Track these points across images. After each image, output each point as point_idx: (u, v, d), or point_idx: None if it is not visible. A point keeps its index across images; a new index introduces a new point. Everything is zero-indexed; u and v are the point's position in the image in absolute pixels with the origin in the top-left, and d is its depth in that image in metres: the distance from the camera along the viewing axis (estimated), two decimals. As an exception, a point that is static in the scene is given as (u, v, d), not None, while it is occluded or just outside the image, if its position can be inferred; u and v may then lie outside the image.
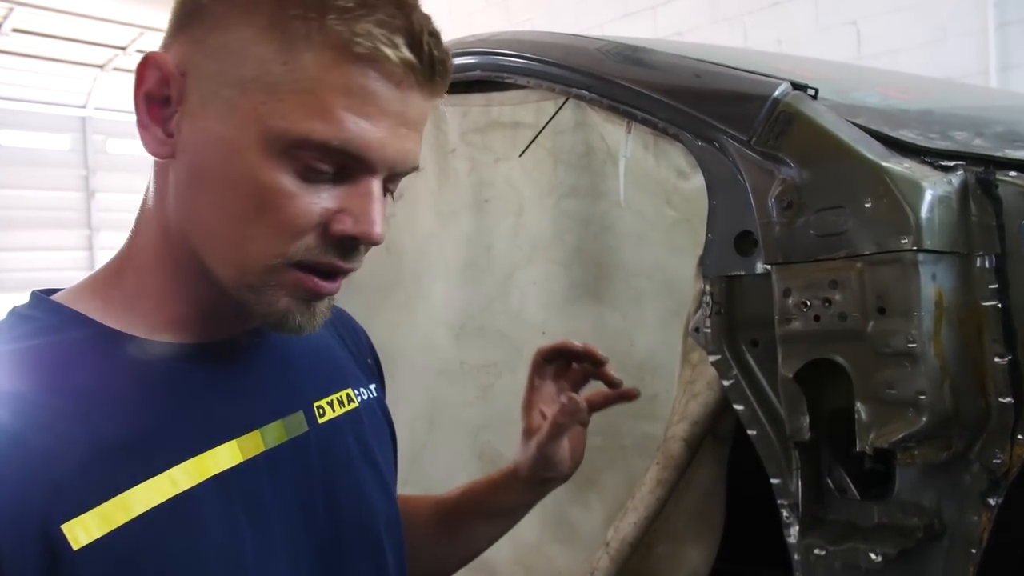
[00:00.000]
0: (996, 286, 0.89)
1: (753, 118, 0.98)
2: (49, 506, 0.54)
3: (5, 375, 0.58)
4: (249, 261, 0.61)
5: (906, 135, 0.95)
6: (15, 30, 9.54)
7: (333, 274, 0.63)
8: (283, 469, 0.68)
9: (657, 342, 1.32)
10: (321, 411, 0.74)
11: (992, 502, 0.88)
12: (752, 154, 0.99)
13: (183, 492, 0.60)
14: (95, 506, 0.56)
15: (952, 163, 0.92)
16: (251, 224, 0.60)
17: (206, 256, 0.62)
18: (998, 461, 0.88)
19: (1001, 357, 0.88)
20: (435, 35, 0.61)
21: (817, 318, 0.91)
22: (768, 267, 0.96)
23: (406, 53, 0.59)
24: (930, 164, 0.92)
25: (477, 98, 1.50)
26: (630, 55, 1.22)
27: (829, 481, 0.99)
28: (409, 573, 0.83)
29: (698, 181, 1.11)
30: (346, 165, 0.60)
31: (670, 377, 1.22)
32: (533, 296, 1.47)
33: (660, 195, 1.24)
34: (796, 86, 0.99)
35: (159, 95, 0.61)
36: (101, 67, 10.64)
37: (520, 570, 1.57)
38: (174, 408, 0.63)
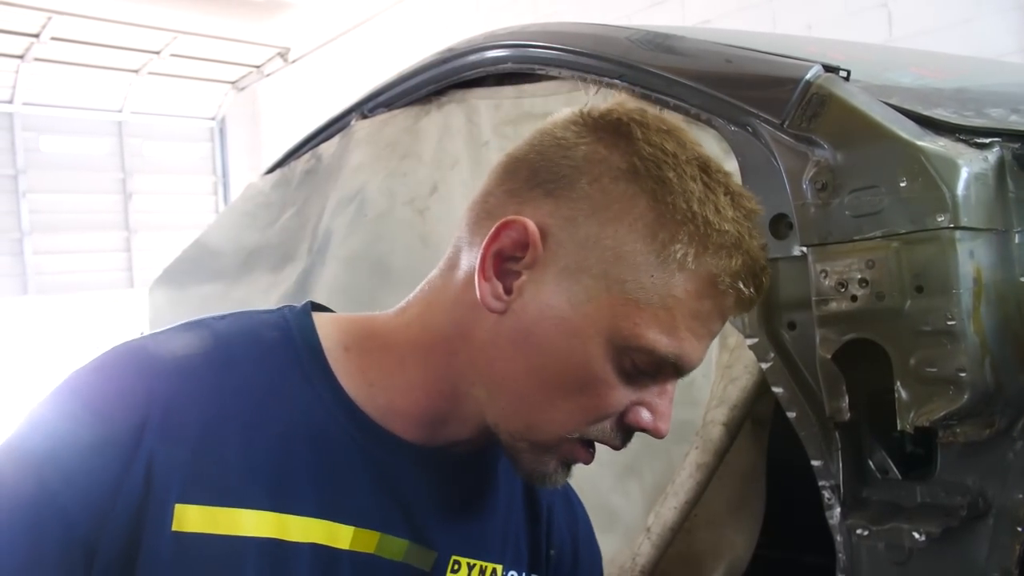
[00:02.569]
0: None
1: (785, 101, 0.98)
2: (177, 478, 0.59)
3: (225, 360, 0.64)
4: (544, 426, 0.65)
5: (940, 113, 0.95)
6: (53, 38, 9.73)
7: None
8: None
9: None
10: (456, 567, 0.72)
11: None
12: (785, 137, 0.98)
13: (288, 540, 0.63)
14: (213, 506, 0.60)
15: (988, 140, 0.91)
16: (564, 399, 0.64)
17: (490, 403, 0.66)
18: None
19: None
20: (767, 271, 0.68)
21: (854, 298, 0.91)
22: (804, 249, 0.96)
23: (751, 293, 0.66)
24: (965, 142, 0.91)
25: (509, 90, 1.51)
26: (661, 43, 1.22)
27: (870, 462, 0.99)
28: None
29: (732, 166, 1.10)
30: (663, 369, 0.65)
31: (708, 362, 1.21)
32: None
33: None
34: (828, 68, 0.99)
35: (510, 254, 0.65)
36: (136, 72, 10.82)
37: (561, 557, 1.59)
38: (335, 472, 0.66)
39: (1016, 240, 0.89)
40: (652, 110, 0.70)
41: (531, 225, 0.64)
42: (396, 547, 0.68)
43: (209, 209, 11.98)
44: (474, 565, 0.73)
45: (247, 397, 0.63)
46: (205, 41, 10.25)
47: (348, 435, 0.67)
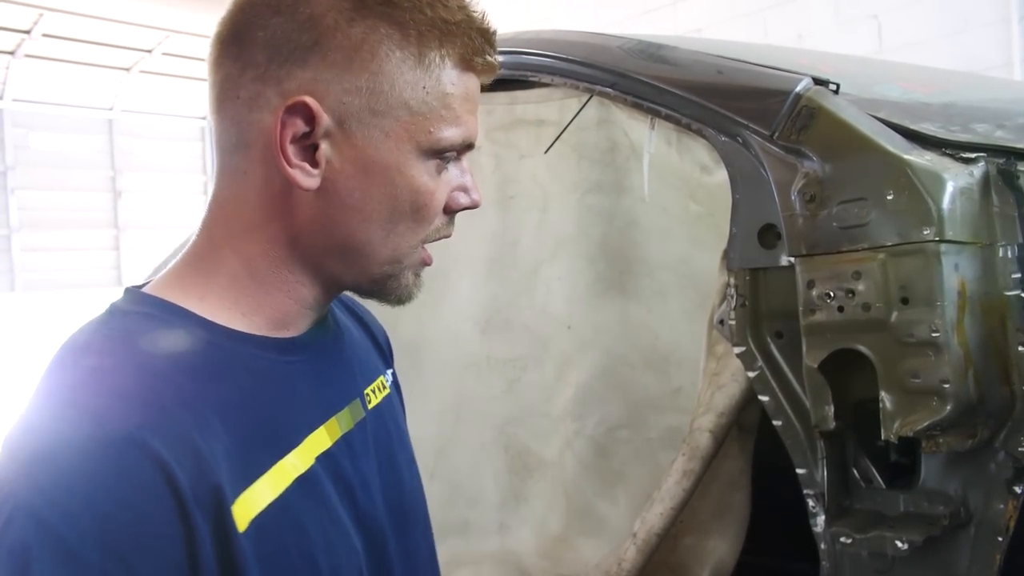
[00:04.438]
0: (1019, 275, 0.90)
1: (775, 113, 0.99)
2: (221, 490, 0.60)
3: (135, 366, 0.62)
4: (400, 253, 0.72)
5: (927, 128, 0.96)
6: (45, 35, 9.67)
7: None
8: (355, 450, 0.76)
9: (682, 335, 1.33)
10: (368, 398, 0.82)
11: (1018, 490, 0.89)
12: (775, 148, 1.00)
13: (302, 473, 0.67)
14: (243, 491, 0.62)
15: (973, 155, 0.92)
16: (404, 221, 0.71)
17: (351, 260, 0.72)
18: (1023, 449, 0.88)
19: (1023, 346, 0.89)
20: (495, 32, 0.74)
21: (841, 309, 0.92)
22: (792, 259, 0.97)
23: (495, 60, 0.73)
24: (951, 156, 0.93)
25: (501, 96, 1.52)
26: (653, 52, 1.23)
27: (855, 471, 1.00)
28: None
29: (721, 176, 1.11)
30: (459, 151, 0.73)
31: (695, 369, 1.23)
32: (558, 291, 1.49)
33: (684, 190, 1.25)
34: (817, 81, 1.00)
35: (302, 133, 0.68)
36: (127, 70, 10.76)
37: (547, 563, 1.59)
38: (282, 397, 0.70)
39: (1000, 254, 0.90)
40: None
41: (309, 100, 0.67)
42: (346, 417, 0.77)
43: (199, 209, 11.91)
44: (374, 387, 0.84)
45: (188, 389, 0.63)
46: (197, 40, 10.21)
47: (264, 360, 0.70)
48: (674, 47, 1.22)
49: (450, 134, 0.71)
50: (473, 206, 0.76)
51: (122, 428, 0.57)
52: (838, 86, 1.00)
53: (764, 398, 1.05)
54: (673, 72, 1.14)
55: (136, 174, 11.63)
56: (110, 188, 11.44)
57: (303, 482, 0.67)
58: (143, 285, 0.73)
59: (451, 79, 0.70)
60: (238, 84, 0.69)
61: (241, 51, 0.69)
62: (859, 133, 0.92)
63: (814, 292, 0.94)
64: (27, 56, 10.10)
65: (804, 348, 0.96)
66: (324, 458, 0.71)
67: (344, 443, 0.74)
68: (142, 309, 0.68)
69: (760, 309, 1.07)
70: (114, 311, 0.68)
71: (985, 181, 0.90)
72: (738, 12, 5.47)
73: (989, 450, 0.91)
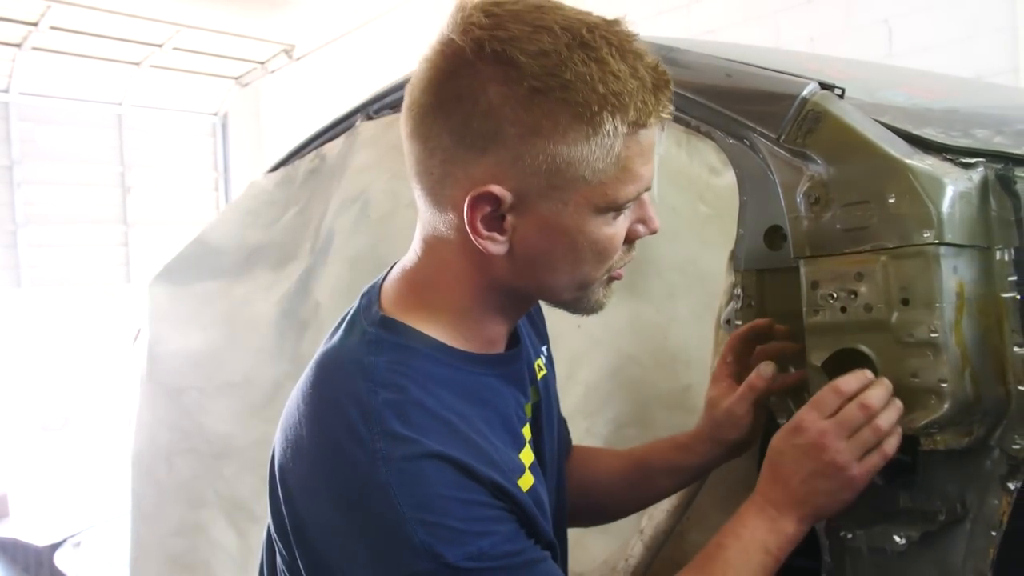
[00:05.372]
0: (1015, 278, 0.91)
1: (782, 116, 1.01)
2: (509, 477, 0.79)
3: (437, 393, 0.78)
4: (586, 284, 0.82)
5: (929, 133, 0.98)
6: (52, 27, 9.67)
7: None
8: (540, 427, 0.95)
9: (690, 334, 1.34)
10: (543, 373, 0.99)
11: (1012, 486, 0.91)
12: (781, 151, 1.01)
13: (533, 462, 0.86)
14: (518, 479, 0.80)
15: (973, 160, 0.94)
16: (590, 265, 0.80)
17: (544, 295, 0.85)
18: (1018, 447, 0.91)
19: (1020, 347, 0.91)
20: (664, 68, 0.78)
21: (844, 309, 0.94)
22: (797, 260, 0.99)
23: (668, 106, 0.77)
24: (951, 161, 0.94)
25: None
26: (664, 55, 1.23)
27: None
28: (596, 514, 1.15)
29: (729, 177, 1.14)
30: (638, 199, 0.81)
31: (703, 369, 1.24)
32: None
33: (693, 191, 1.27)
34: (824, 86, 1.01)
35: (490, 214, 0.76)
36: (137, 64, 10.79)
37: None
38: (509, 401, 0.86)
39: (997, 257, 0.92)
40: None
41: (493, 188, 0.74)
42: (534, 395, 0.95)
43: (210, 205, 11.92)
44: (539, 363, 0.99)
45: (463, 411, 0.78)
46: (208, 35, 10.20)
47: (492, 377, 0.85)
48: (684, 50, 1.24)
49: (627, 192, 0.77)
50: (652, 233, 0.84)
51: (433, 448, 0.73)
52: (843, 91, 1.01)
53: (770, 397, 1.06)
54: (683, 75, 1.16)
55: (146, 170, 11.67)
56: (119, 184, 11.48)
57: (533, 469, 0.85)
58: (378, 302, 0.85)
59: (626, 144, 0.75)
60: (429, 163, 0.78)
61: (429, 132, 0.77)
62: (863, 137, 0.94)
63: (818, 293, 0.96)
64: (34, 49, 10.09)
65: (808, 347, 0.98)
66: (532, 443, 0.88)
67: (534, 425, 0.91)
68: (405, 341, 0.80)
69: (766, 309, 1.09)
70: (381, 342, 0.80)
71: (984, 186, 0.92)
72: (751, 14, 5.47)
73: (984, 448, 0.93)
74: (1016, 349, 0.91)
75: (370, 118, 1.90)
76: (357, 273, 1.77)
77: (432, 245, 0.82)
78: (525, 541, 0.77)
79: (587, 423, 1.51)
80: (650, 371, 1.42)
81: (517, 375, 0.89)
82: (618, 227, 0.79)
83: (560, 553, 0.92)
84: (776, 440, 0.90)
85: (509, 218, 0.76)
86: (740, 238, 1.09)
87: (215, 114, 12.08)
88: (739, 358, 1.06)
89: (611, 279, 0.84)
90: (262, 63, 11.13)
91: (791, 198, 0.99)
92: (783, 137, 1.01)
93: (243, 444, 2.14)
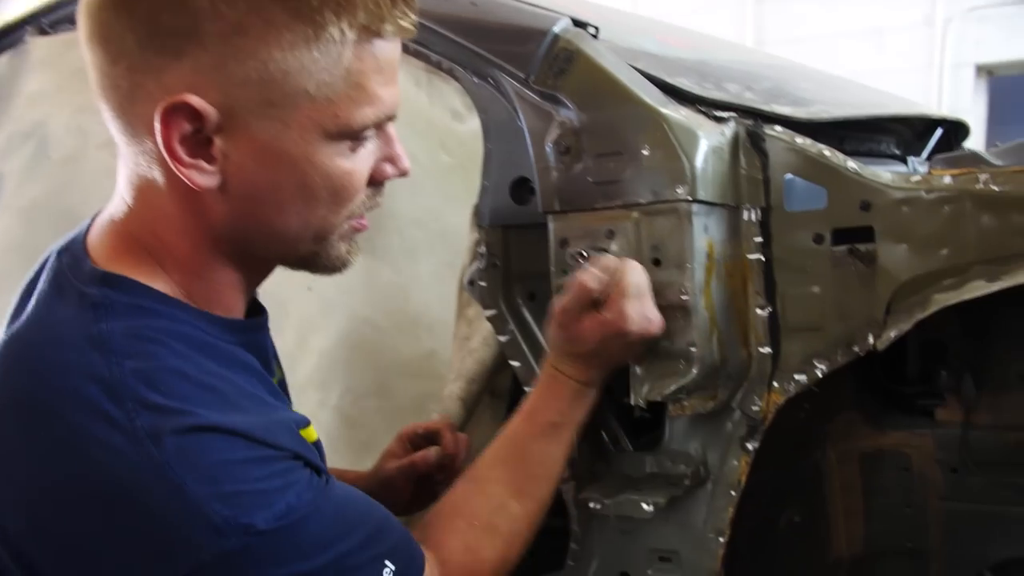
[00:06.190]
0: (760, 239, 0.91)
1: (532, 55, 0.93)
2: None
3: (195, 359, 0.66)
4: (325, 232, 0.71)
5: (683, 83, 0.95)
6: None
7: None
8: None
9: (432, 296, 1.29)
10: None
11: (750, 447, 0.92)
12: (530, 94, 0.95)
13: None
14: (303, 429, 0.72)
15: (725, 114, 0.92)
16: (326, 206, 0.70)
17: (276, 246, 0.72)
18: (756, 408, 0.92)
19: (762, 308, 0.91)
20: None
21: None
22: (545, 216, 0.93)
23: (402, 10, 0.66)
24: (704, 114, 0.92)
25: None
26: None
27: (603, 434, 0.99)
28: None
29: (474, 124, 1.06)
30: (378, 127, 0.70)
31: (446, 333, 1.19)
32: None
33: (433, 138, 1.20)
34: (577, 23, 0.95)
35: (190, 132, 0.64)
36: None
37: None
38: (262, 373, 0.75)
39: (745, 217, 0.91)
40: None
41: (189, 98, 0.62)
42: (279, 372, 0.88)
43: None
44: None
45: (224, 371, 0.68)
46: None
47: (239, 343, 0.73)
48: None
49: (362, 115, 0.67)
50: (402, 175, 0.75)
51: (207, 420, 0.63)
52: (597, 30, 0.95)
53: (516, 363, 1.02)
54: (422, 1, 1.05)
55: None
56: None
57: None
58: (88, 259, 0.70)
59: (358, 55, 0.65)
60: (114, 73, 0.64)
61: (110, 33, 0.64)
62: (617, 82, 0.89)
63: (567, 251, 0.91)
64: None
65: None
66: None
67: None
68: (141, 302, 0.67)
69: (512, 269, 1.03)
70: (112, 304, 0.66)
71: (735, 142, 0.91)
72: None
73: (727, 410, 0.94)
74: (758, 311, 0.91)
75: (44, 33, 1.59)
76: (35, 228, 1.51)
77: (140, 189, 0.69)
78: (323, 476, 0.70)
79: (320, 395, 1.42)
80: (389, 336, 1.36)
81: (261, 346, 0.79)
82: (358, 162, 0.70)
83: None
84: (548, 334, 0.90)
85: (218, 142, 0.64)
86: (484, 191, 1.02)
87: None
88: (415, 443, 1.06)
89: (353, 232, 0.75)
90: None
91: (540, 147, 0.93)
92: (532, 78, 0.94)
93: None
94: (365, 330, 1.36)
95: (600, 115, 0.89)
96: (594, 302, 0.84)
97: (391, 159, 0.73)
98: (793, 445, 1.04)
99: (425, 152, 1.21)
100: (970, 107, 5.52)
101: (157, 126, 0.63)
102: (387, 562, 0.70)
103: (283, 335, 1.47)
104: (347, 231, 0.73)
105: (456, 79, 1.03)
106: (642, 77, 0.91)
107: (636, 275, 0.84)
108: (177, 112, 0.62)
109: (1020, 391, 0.99)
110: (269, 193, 0.67)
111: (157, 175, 0.67)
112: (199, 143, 0.64)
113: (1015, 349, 0.99)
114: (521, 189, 0.99)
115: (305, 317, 1.37)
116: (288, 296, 1.39)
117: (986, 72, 5.85)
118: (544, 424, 0.87)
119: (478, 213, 1.03)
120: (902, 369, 1.05)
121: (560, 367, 0.87)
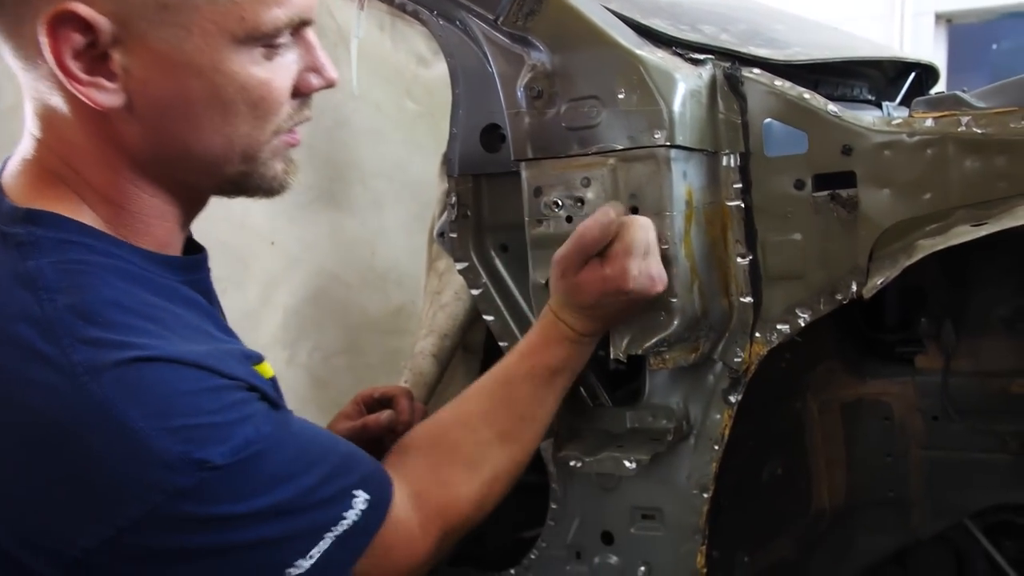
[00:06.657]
0: (740, 186, 0.88)
1: None
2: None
3: (131, 291, 0.63)
4: (252, 149, 0.68)
5: (658, 24, 0.91)
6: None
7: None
8: None
9: (401, 250, 1.27)
10: None
11: (733, 399, 0.91)
12: (500, 36, 0.91)
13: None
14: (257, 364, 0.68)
15: (702, 56, 0.89)
16: (245, 120, 0.66)
17: (201, 169, 0.68)
18: (739, 359, 0.90)
19: (743, 257, 0.89)
20: None
21: (570, 219, 0.86)
22: (517, 164, 0.89)
23: None
24: (681, 56, 0.89)
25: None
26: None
27: (582, 389, 0.97)
28: None
29: (440, 69, 1.02)
30: (295, 32, 0.67)
31: (416, 287, 1.17)
32: (258, 203, 1.33)
33: (399, 85, 1.16)
34: (546, -42, 0.90)
35: (83, 46, 0.60)
36: None
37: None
38: (210, 309, 0.72)
39: (724, 163, 0.88)
40: None
41: (75, 6, 0.58)
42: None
43: None
44: None
45: (163, 303, 0.65)
46: None
47: (181, 281, 0.70)
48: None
49: (271, 16, 0.63)
50: (328, 85, 0.70)
51: (149, 351, 0.59)
52: (568, -34, 0.90)
53: (489, 318, 1.00)
54: (385, -60, 0.99)
55: None
56: None
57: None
58: (4, 196, 0.66)
59: None
60: None
61: None
62: (591, 23, 0.85)
63: (542, 201, 0.88)
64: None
65: (531, 262, 0.90)
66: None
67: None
68: (67, 236, 0.63)
69: (483, 220, 1.00)
70: (36, 241, 0.62)
71: (712, 85, 0.87)
72: None
73: (708, 363, 0.92)
74: (739, 260, 0.89)
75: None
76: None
77: (46, 119, 0.65)
78: (281, 410, 0.68)
79: (288, 353, 1.41)
80: (357, 292, 1.34)
81: (205, 287, 0.76)
82: (276, 71, 0.66)
83: None
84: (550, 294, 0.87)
85: (116, 56, 0.61)
86: (453, 139, 0.98)
87: None
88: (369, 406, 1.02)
89: (287, 147, 0.71)
90: None
91: (511, 92, 0.89)
92: (502, 19, 0.90)
93: None
94: (332, 286, 1.33)
95: (573, 57, 0.85)
96: (598, 253, 0.80)
97: (315, 68, 0.69)
98: (774, 396, 1.03)
99: (390, 99, 1.17)
100: (931, 55, 5.53)
101: (44, 40, 0.58)
102: (357, 492, 0.68)
103: (245, 291, 1.45)
104: (278, 147, 0.70)
105: (422, 22, 0.99)
106: (616, 18, 0.88)
107: (643, 231, 0.80)
108: (65, 23, 0.58)
109: (1000, 336, 0.98)
110: (180, 108, 0.64)
111: (59, 101, 0.63)
112: (95, 59, 0.60)
113: (995, 294, 0.99)
114: (492, 136, 0.96)
115: (268, 272, 1.35)
116: (249, 251, 1.36)
117: (945, 20, 5.86)
118: (540, 367, 0.84)
119: (447, 162, 1.00)
120: (881, 317, 1.04)
121: (560, 315, 0.84)
